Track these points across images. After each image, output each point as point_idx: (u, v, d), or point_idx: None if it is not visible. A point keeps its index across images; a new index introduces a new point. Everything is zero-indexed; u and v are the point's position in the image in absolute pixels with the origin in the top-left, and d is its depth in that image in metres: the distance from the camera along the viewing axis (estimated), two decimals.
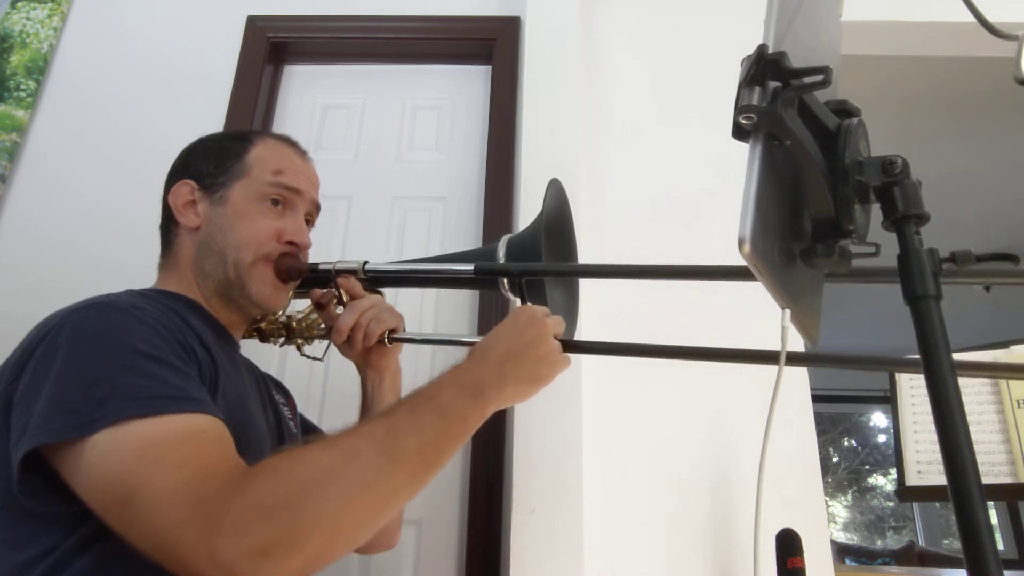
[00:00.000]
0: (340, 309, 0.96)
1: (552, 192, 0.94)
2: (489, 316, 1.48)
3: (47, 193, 1.64)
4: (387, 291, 1.03)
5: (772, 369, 0.70)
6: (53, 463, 0.63)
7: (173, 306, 0.78)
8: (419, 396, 0.71)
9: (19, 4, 1.81)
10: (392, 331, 0.94)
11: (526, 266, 0.88)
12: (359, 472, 0.62)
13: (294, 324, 1.00)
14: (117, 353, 0.65)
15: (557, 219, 0.97)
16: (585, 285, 1.37)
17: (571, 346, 0.82)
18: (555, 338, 0.79)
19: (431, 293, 1.54)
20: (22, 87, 1.71)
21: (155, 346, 0.67)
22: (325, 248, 1.58)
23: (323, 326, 1.00)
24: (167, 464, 0.59)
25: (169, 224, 0.90)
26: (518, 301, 0.90)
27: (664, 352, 0.85)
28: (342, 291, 0.94)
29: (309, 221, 0.95)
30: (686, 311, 1.40)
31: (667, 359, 0.84)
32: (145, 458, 0.59)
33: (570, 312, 0.99)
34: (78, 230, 1.60)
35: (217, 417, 0.66)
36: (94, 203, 1.62)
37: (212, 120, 1.64)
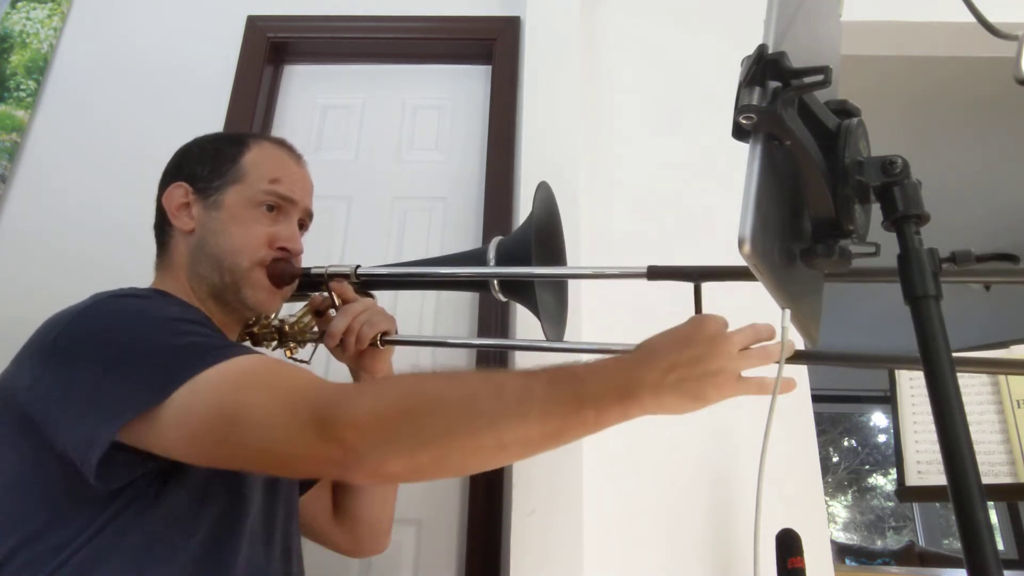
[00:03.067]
0: (333, 312, 0.96)
1: (540, 196, 0.94)
2: (489, 318, 1.48)
3: (47, 193, 1.64)
4: (388, 293, 1.02)
5: (772, 369, 0.70)
6: (126, 437, 0.65)
7: (175, 300, 0.80)
8: (566, 371, 0.68)
9: (19, 4, 1.81)
10: (384, 334, 0.94)
11: (706, 268, 0.79)
12: (471, 414, 0.64)
13: (286, 328, 1.00)
14: (160, 323, 0.69)
15: (547, 222, 0.97)
16: (582, 285, 1.37)
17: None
18: (750, 352, 0.71)
19: (431, 295, 1.54)
20: (22, 87, 1.71)
21: (185, 315, 0.72)
22: (325, 248, 1.58)
23: (315, 330, 1.00)
24: (261, 386, 0.64)
25: (163, 225, 0.91)
26: (511, 304, 0.91)
27: None
28: (334, 295, 0.94)
29: (302, 227, 0.96)
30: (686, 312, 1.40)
31: None
32: (238, 389, 0.64)
33: (560, 313, 0.99)
34: (78, 230, 1.59)
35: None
36: (94, 203, 1.62)
37: (212, 120, 1.64)
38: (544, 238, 0.96)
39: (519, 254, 0.90)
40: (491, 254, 0.92)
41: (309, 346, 1.03)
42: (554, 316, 0.95)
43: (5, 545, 0.66)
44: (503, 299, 0.95)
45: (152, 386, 0.64)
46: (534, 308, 0.91)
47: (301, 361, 1.02)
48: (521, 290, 0.92)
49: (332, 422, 0.61)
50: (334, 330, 0.91)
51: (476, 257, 0.95)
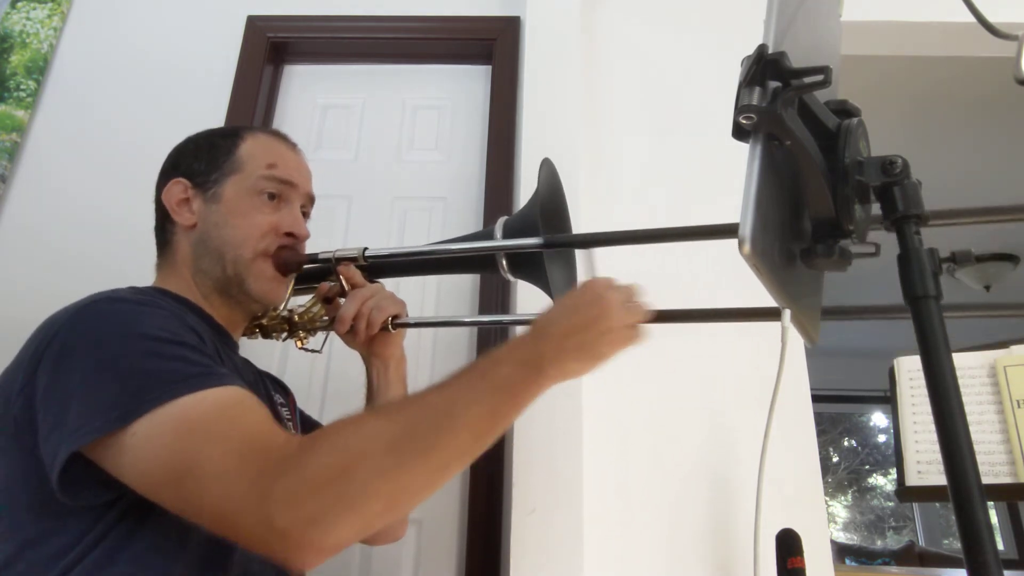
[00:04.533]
0: (342, 300, 0.95)
1: (545, 172, 0.93)
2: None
3: (47, 193, 1.64)
4: (389, 281, 1.02)
5: (773, 369, 0.70)
6: (93, 457, 0.64)
7: (171, 306, 0.77)
8: (476, 370, 0.70)
9: (19, 4, 1.81)
10: (395, 317, 0.93)
11: (596, 235, 0.86)
12: (411, 444, 0.63)
13: (296, 318, 0.99)
14: (139, 342, 0.67)
15: (551, 198, 0.97)
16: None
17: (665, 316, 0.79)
18: (630, 305, 0.76)
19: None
20: (22, 87, 1.71)
21: (172, 331, 0.69)
22: (325, 248, 1.58)
23: (325, 318, 0.99)
24: (215, 437, 0.61)
25: (164, 224, 0.90)
26: (518, 283, 0.90)
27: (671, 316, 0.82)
28: (343, 280, 0.94)
29: (305, 214, 0.95)
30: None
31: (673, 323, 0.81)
32: (193, 434, 0.61)
33: (569, 289, 0.99)
34: (78, 230, 1.59)
35: (245, 388, 0.67)
36: (94, 203, 1.62)
37: (212, 120, 1.64)
38: (551, 215, 0.96)
39: (528, 231, 0.90)
40: (498, 234, 0.92)
41: (319, 337, 1.03)
42: (564, 292, 0.96)
43: (2, 552, 0.65)
44: (511, 278, 0.94)
45: (115, 411, 0.62)
46: (544, 285, 0.90)
47: (313, 351, 1.02)
48: (529, 267, 0.92)
49: (269, 492, 0.58)
50: (344, 316, 0.90)
51: (482, 238, 0.95)
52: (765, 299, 0.52)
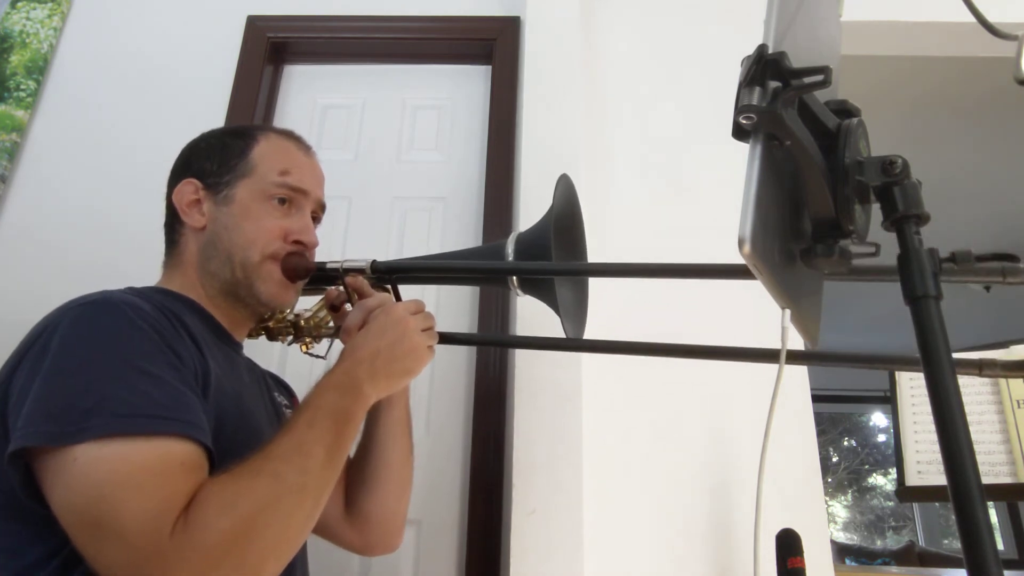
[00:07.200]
0: (349, 307, 0.95)
1: (561, 188, 0.93)
2: (489, 313, 1.49)
3: (47, 193, 1.64)
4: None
5: (772, 369, 0.70)
6: (33, 466, 0.62)
7: (171, 305, 0.77)
8: (310, 407, 0.74)
9: (19, 4, 1.81)
10: None
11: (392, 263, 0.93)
12: (286, 493, 0.65)
13: (302, 323, 0.99)
14: (107, 362, 0.64)
15: (567, 215, 0.96)
16: (594, 281, 1.37)
17: (448, 338, 0.92)
18: (426, 330, 0.85)
19: (431, 290, 1.54)
20: (22, 87, 1.71)
21: (146, 356, 0.67)
22: (325, 248, 1.56)
23: (331, 325, 0.99)
24: (141, 492, 0.59)
25: (174, 223, 0.89)
26: (527, 298, 0.91)
27: (631, 349, 0.86)
28: (350, 290, 0.94)
29: (315, 219, 0.95)
30: (685, 313, 1.40)
31: (635, 355, 0.84)
32: (124, 484, 0.59)
33: (579, 310, 0.99)
34: (78, 230, 1.59)
35: (195, 438, 0.65)
36: (94, 203, 1.62)
37: (212, 120, 1.64)
38: (564, 232, 0.95)
39: (539, 249, 0.89)
40: (509, 248, 0.92)
41: (325, 341, 1.03)
42: (573, 313, 0.95)
43: None
44: (521, 294, 0.95)
45: (58, 425, 0.60)
46: (554, 304, 0.90)
47: (318, 356, 1.02)
48: (540, 286, 0.92)
49: (172, 566, 0.57)
50: (349, 325, 0.89)
51: (494, 252, 0.94)
52: (765, 298, 0.52)
